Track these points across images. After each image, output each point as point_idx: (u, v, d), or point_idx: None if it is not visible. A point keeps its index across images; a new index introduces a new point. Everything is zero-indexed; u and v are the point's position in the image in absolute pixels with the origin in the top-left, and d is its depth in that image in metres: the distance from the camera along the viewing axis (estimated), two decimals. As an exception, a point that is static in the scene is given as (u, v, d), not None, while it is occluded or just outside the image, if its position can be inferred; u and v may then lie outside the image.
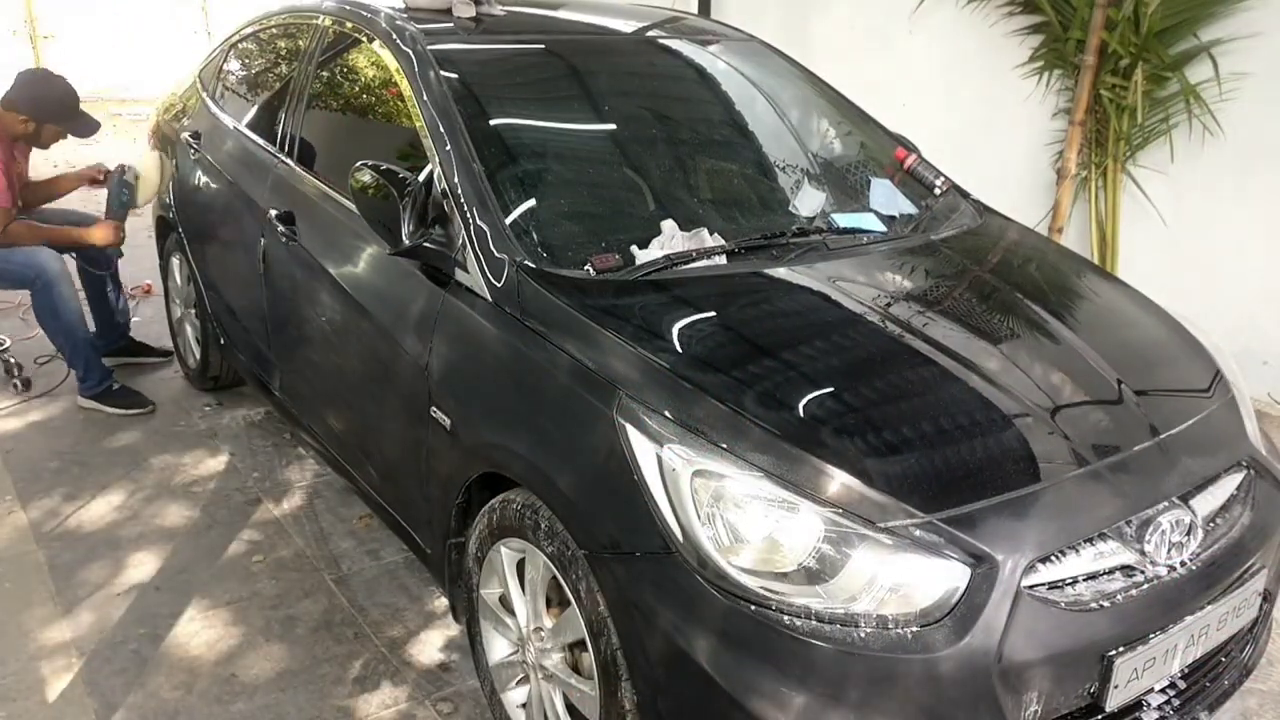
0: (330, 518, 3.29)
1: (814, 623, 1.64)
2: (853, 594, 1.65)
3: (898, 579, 1.66)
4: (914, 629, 1.64)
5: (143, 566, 3.00)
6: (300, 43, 3.35)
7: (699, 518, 1.71)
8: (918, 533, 1.67)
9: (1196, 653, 1.88)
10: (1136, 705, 1.86)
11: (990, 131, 4.91)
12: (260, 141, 3.35)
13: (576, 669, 2.06)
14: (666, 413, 1.81)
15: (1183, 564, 1.84)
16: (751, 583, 1.67)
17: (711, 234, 2.38)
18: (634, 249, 2.27)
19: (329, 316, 2.79)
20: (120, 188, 3.95)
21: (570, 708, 2.08)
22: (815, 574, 1.67)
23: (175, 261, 4.15)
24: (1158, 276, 4.24)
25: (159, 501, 3.38)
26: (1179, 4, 4.01)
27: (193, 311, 4.08)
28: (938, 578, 1.66)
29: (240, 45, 3.88)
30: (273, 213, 3.00)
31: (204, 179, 3.70)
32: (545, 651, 2.10)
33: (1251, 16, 3.90)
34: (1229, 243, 4.12)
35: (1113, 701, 1.75)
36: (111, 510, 3.31)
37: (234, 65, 3.88)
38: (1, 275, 3.86)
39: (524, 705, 2.24)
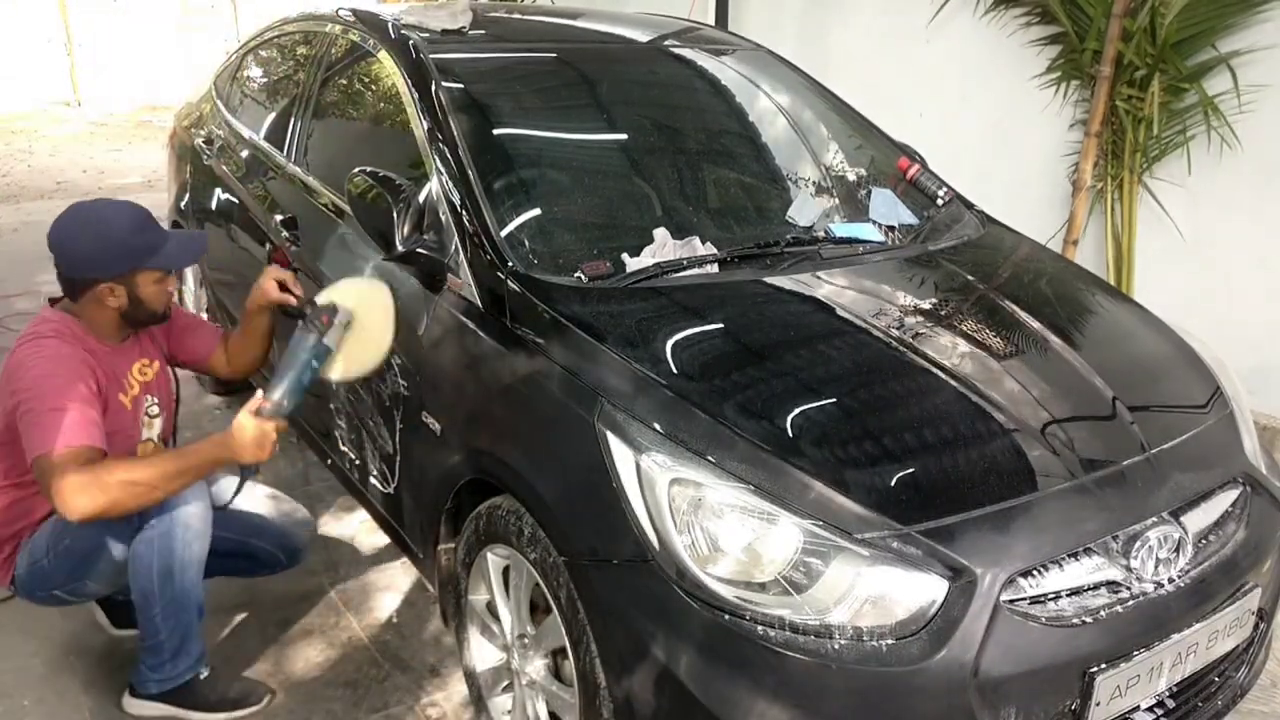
0: (332, 522, 3.31)
1: (789, 634, 1.63)
2: (828, 605, 1.64)
3: (874, 591, 1.64)
4: (889, 641, 1.62)
5: (145, 567, 3.02)
6: (310, 50, 3.39)
7: (676, 526, 1.70)
8: (896, 545, 1.66)
9: (1185, 671, 1.85)
10: (1122, 723, 1.84)
11: (1007, 142, 4.86)
12: (267, 147, 3.38)
13: (559, 676, 2.06)
14: (647, 420, 1.81)
15: (1170, 580, 1.81)
16: (727, 592, 1.66)
17: (705, 242, 2.38)
18: (625, 257, 2.27)
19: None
20: (312, 351, 2.21)
21: (553, 715, 2.08)
22: (792, 585, 1.65)
23: (189, 266, 4.20)
24: (1175, 290, 4.19)
25: (165, 503, 3.41)
26: (1196, 15, 3.95)
27: (204, 315, 4.12)
28: (915, 590, 1.64)
29: (254, 52, 3.93)
30: (277, 218, 3.04)
31: (215, 184, 3.74)
32: (528, 658, 2.10)
33: (1271, 28, 3.84)
34: (1248, 256, 4.06)
35: (1095, 718, 1.72)
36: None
37: (247, 72, 3.93)
38: (93, 546, 2.25)
39: (509, 712, 2.24)
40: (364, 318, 2.32)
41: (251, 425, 2.14)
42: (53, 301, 2.36)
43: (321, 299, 2.34)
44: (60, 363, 2.17)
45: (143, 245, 2.24)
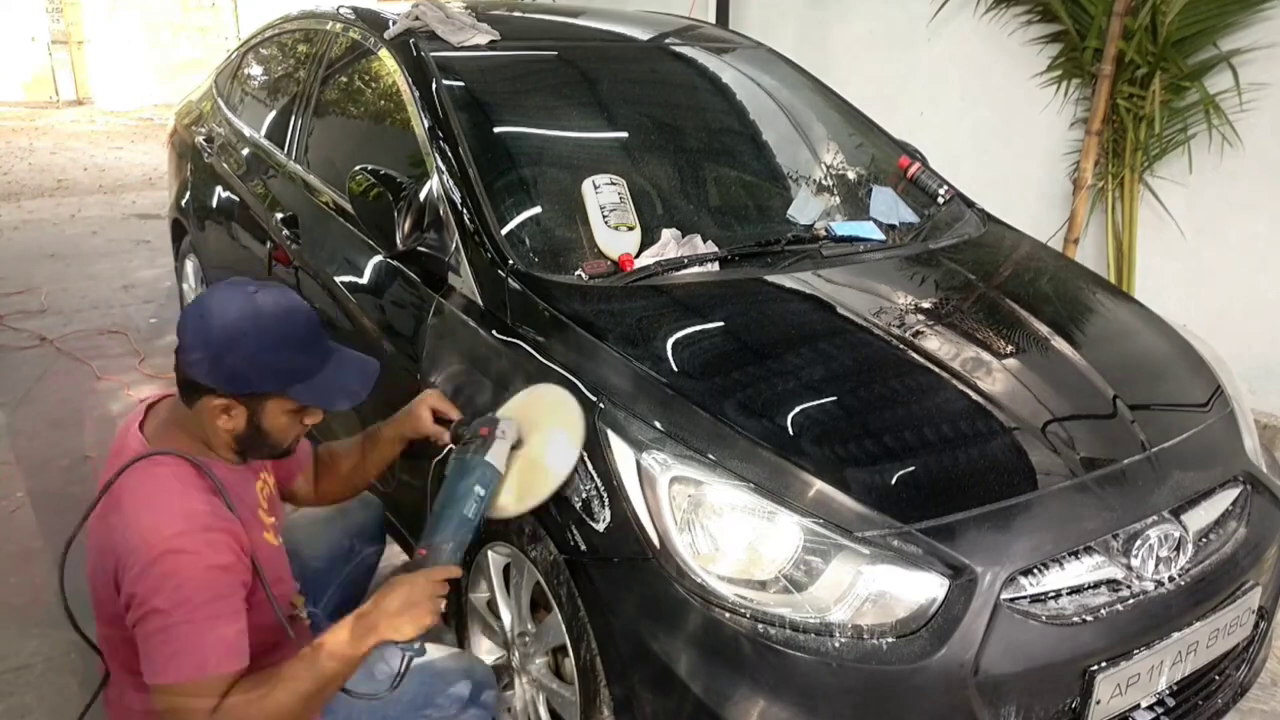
0: (333, 519, 3.30)
1: (789, 632, 1.63)
2: (829, 603, 1.64)
3: (875, 589, 1.65)
4: (890, 639, 1.63)
5: (146, 565, 3.02)
6: (311, 49, 3.39)
7: (676, 524, 1.70)
8: (896, 543, 1.66)
9: (1185, 670, 1.85)
10: (1122, 721, 1.84)
11: (1008, 141, 4.87)
12: (268, 145, 3.39)
13: (559, 674, 2.06)
14: (648, 419, 1.81)
15: (1171, 579, 1.81)
16: (728, 591, 1.67)
17: (706, 241, 2.38)
18: (626, 255, 2.27)
19: (329, 319, 2.81)
20: (475, 475, 1.79)
21: (554, 713, 2.08)
22: (792, 583, 1.66)
23: (190, 265, 4.20)
24: (1175, 288, 4.20)
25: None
26: (1197, 13, 3.95)
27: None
28: (915, 588, 1.65)
29: (255, 50, 3.93)
30: (278, 216, 3.04)
31: (216, 182, 3.74)
32: (529, 656, 2.10)
33: (1272, 26, 3.84)
34: (1249, 254, 4.06)
35: (1095, 717, 1.73)
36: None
37: (247, 70, 3.93)
38: None
39: (510, 709, 2.24)
40: (536, 433, 1.86)
41: (404, 585, 1.64)
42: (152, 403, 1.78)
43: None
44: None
45: (297, 358, 1.67)
